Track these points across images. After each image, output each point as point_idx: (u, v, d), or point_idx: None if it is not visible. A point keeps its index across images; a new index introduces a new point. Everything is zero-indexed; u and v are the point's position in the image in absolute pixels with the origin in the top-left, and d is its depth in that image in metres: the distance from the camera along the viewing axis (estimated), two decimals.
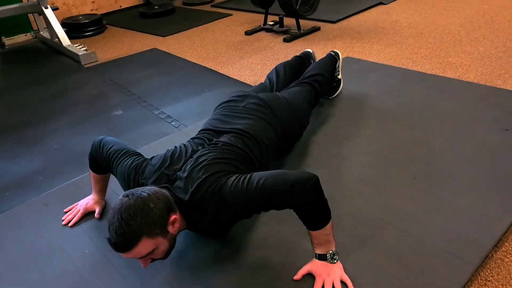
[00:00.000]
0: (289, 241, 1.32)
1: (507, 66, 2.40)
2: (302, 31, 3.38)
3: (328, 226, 1.16)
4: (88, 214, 1.55)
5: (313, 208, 1.14)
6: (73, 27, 4.10)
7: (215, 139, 1.39)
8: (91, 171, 1.51)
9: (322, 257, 1.19)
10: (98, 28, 4.20)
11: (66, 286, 1.27)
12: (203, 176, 1.19)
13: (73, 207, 1.58)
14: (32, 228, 1.52)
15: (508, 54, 2.57)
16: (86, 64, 3.31)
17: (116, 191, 1.63)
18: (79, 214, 1.53)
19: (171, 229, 1.14)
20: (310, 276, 1.19)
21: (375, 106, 2.08)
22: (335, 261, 1.19)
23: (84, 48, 3.46)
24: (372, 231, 1.34)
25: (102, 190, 1.57)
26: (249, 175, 1.16)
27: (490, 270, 1.20)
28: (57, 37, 3.60)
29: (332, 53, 2.14)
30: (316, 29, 3.47)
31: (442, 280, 1.14)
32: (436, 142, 1.74)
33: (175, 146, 1.37)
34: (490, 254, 1.24)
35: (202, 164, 1.24)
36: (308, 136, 1.89)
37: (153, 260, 1.16)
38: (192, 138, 1.44)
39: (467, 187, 1.47)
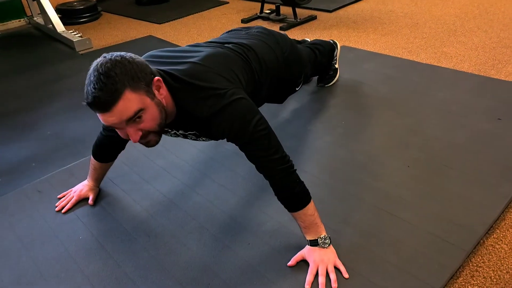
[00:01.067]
0: (284, 228, 1.33)
1: (501, 57, 2.41)
2: (298, 20, 3.36)
3: (310, 206, 1.16)
4: (82, 201, 1.54)
5: (287, 185, 1.15)
6: (68, 13, 4.04)
7: (215, 45, 1.37)
8: (92, 158, 1.50)
9: (313, 243, 1.19)
10: (93, 15, 4.15)
11: (59, 271, 1.26)
12: (215, 69, 1.16)
13: (67, 193, 1.58)
14: (26, 214, 1.51)
15: (502, 44, 2.58)
16: (80, 51, 3.28)
17: (112, 180, 1.63)
18: (72, 201, 1.53)
19: (157, 94, 1.05)
20: (305, 263, 1.20)
21: (370, 95, 2.08)
22: (327, 245, 1.19)
23: (79, 35, 3.42)
24: (365, 217, 1.35)
25: (98, 179, 1.56)
26: (260, 115, 1.14)
27: (482, 257, 1.22)
28: (51, 23, 3.55)
29: (331, 41, 2.14)
30: (313, 18, 3.45)
31: (434, 265, 1.16)
32: (430, 130, 1.75)
33: None
34: (482, 241, 1.26)
35: (209, 55, 1.21)
36: (303, 124, 1.89)
37: (143, 135, 1.06)
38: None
39: (460, 174, 1.48)
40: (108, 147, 1.45)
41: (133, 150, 1.68)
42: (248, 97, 1.17)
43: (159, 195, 1.54)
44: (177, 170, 1.67)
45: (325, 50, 2.02)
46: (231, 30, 1.63)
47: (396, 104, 1.97)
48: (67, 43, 3.41)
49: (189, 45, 1.37)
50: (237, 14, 3.85)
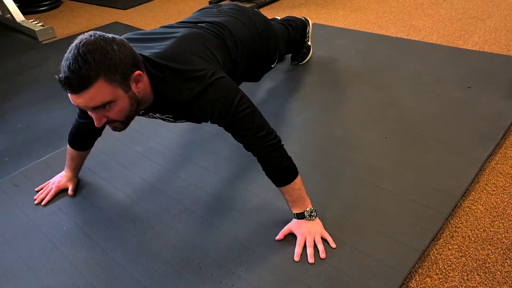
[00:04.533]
0: (269, 204, 1.35)
1: (467, 27, 2.48)
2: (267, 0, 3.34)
3: (297, 181, 1.18)
4: (61, 192, 1.51)
5: (275, 161, 1.16)
6: (26, 2, 3.85)
7: (188, 25, 1.35)
8: (69, 147, 1.46)
9: (300, 216, 1.22)
10: (53, 3, 3.98)
11: (46, 263, 1.24)
12: (192, 50, 1.15)
13: (45, 186, 1.54)
14: (4, 209, 1.47)
15: (467, 15, 2.65)
16: (44, 41, 3.15)
17: (91, 169, 1.59)
18: (51, 192, 1.49)
19: (134, 88, 1.03)
20: (292, 236, 1.23)
21: (345, 70, 2.10)
22: (313, 218, 1.22)
23: (41, 24, 3.28)
24: (348, 189, 1.38)
25: (76, 168, 1.53)
26: (242, 94, 1.14)
27: (460, 218, 1.27)
28: (9, 13, 3.38)
29: (303, 18, 2.14)
30: None
31: (416, 229, 1.20)
32: (404, 101, 1.79)
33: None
34: (459, 203, 1.32)
35: (184, 36, 1.19)
36: (281, 102, 1.90)
37: (108, 121, 1.05)
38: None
39: (435, 142, 1.53)
40: (84, 134, 1.42)
41: (110, 138, 1.64)
42: (227, 76, 1.16)
43: (141, 181, 1.52)
44: (157, 155, 1.65)
45: (298, 26, 2.02)
46: (202, 9, 1.61)
47: (370, 78, 2.00)
48: (29, 33, 3.26)
49: (162, 27, 1.35)
50: None
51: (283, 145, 1.18)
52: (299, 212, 1.22)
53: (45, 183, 1.54)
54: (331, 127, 1.70)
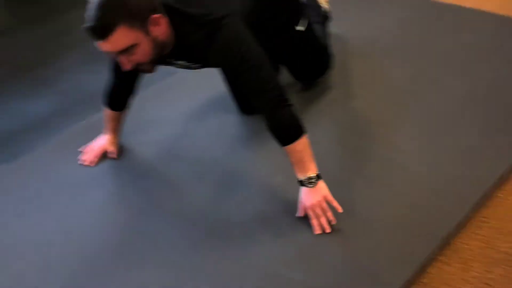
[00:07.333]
0: (284, 191, 1.33)
1: None
2: None
3: (301, 141, 1.16)
4: (104, 154, 1.56)
5: (280, 117, 1.17)
6: None
7: None
8: (105, 109, 1.50)
9: (301, 183, 1.20)
10: None
11: (87, 219, 1.34)
12: None
13: (87, 147, 1.58)
14: (53, 168, 1.55)
15: None
16: None
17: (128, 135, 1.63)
18: (95, 153, 1.54)
19: (154, 31, 1.12)
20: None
21: (384, 42, 1.98)
22: (312, 185, 1.18)
23: None
24: (377, 170, 1.37)
25: (116, 130, 1.55)
26: (253, 45, 1.15)
27: (488, 208, 1.25)
28: None
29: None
30: None
31: (441, 216, 1.19)
32: (445, 79, 1.70)
33: None
34: (490, 193, 1.28)
35: None
36: None
37: (137, 65, 1.15)
38: None
39: (473, 126, 1.47)
40: (117, 91, 1.46)
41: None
42: (241, 22, 1.16)
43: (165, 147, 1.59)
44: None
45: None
46: None
47: (411, 51, 1.89)
48: None
49: None
50: None
51: (290, 105, 1.17)
52: (300, 179, 1.19)
53: (87, 144, 1.59)
54: (364, 107, 1.64)
